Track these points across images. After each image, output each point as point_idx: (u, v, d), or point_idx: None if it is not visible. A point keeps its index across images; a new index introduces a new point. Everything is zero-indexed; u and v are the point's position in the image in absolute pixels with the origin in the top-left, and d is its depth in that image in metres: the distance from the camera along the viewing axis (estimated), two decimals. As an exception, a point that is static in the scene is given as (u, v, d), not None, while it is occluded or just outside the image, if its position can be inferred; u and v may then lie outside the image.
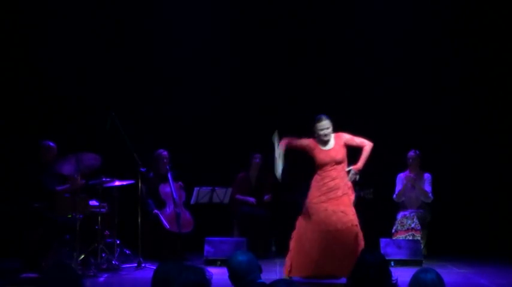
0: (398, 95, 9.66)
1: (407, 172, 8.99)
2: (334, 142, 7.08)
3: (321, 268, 6.91)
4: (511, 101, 9.69)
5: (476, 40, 9.65)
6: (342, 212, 6.97)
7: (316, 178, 7.11)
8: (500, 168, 9.69)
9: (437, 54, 9.76)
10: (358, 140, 7.13)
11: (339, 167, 7.05)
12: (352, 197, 7.16)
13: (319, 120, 7.03)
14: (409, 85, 9.71)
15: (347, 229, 6.93)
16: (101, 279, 7.30)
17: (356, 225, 6.97)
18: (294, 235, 7.14)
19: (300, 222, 7.13)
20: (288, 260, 7.11)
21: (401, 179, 8.99)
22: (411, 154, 8.94)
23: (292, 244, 7.12)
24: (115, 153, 8.34)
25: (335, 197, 6.99)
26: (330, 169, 7.03)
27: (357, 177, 7.09)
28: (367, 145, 7.10)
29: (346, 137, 7.10)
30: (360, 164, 7.08)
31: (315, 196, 7.04)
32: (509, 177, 9.63)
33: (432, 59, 9.76)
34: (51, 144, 7.84)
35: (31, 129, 9.00)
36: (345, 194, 7.04)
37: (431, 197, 8.84)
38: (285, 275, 7.01)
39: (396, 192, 8.97)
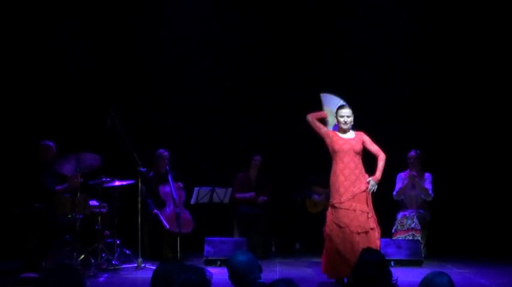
0: (398, 94, 9.66)
1: (407, 172, 8.99)
2: (355, 135, 7.04)
3: (348, 268, 6.53)
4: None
5: (477, 39, 9.65)
6: (368, 213, 6.89)
7: (336, 172, 6.94)
8: (500, 168, 9.69)
9: (437, 53, 9.77)
10: (375, 147, 7.07)
11: (356, 159, 6.93)
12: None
13: (342, 107, 7.04)
14: (409, 85, 9.72)
15: (365, 232, 6.86)
16: (101, 279, 7.29)
17: (372, 228, 6.88)
18: (326, 235, 6.99)
19: (330, 223, 6.96)
20: (323, 260, 7.03)
21: (401, 179, 9.00)
22: (412, 153, 8.94)
23: (326, 244, 6.99)
24: (115, 153, 8.34)
25: (359, 192, 6.88)
26: (348, 159, 6.90)
27: (375, 188, 6.96)
28: (382, 155, 7.03)
29: (366, 137, 7.07)
30: (378, 174, 6.96)
31: (341, 194, 6.87)
32: (509, 177, 9.63)
33: (432, 58, 9.77)
34: (50, 144, 7.83)
35: (31, 129, 9.00)
36: (366, 188, 6.93)
37: (432, 195, 8.84)
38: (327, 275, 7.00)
39: (396, 190, 8.97)
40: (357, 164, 6.92)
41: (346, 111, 6.99)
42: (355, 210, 6.84)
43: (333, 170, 7.00)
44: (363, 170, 6.98)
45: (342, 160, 6.92)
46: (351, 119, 7.00)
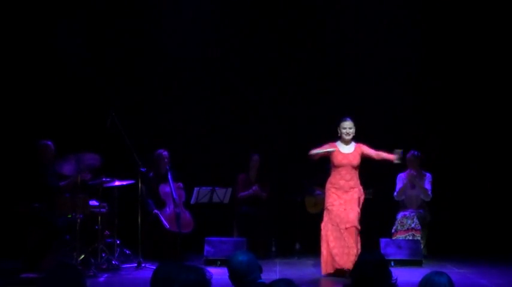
0: (399, 95, 9.65)
1: (407, 172, 8.98)
2: (354, 149, 7.55)
3: (342, 264, 7.28)
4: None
5: (476, 41, 9.65)
6: (359, 213, 7.45)
7: (331, 180, 7.58)
8: (500, 168, 9.69)
9: (438, 53, 9.76)
10: (375, 151, 7.61)
11: (353, 172, 7.54)
12: (362, 198, 7.62)
13: (344, 120, 7.56)
14: (409, 85, 9.72)
15: (354, 227, 7.39)
16: (101, 279, 7.30)
17: (359, 229, 7.43)
18: (322, 237, 7.51)
19: (325, 224, 7.51)
20: (322, 262, 7.52)
21: (401, 179, 8.99)
22: (410, 154, 8.93)
23: (322, 245, 7.51)
24: (115, 153, 8.34)
25: (351, 198, 7.46)
26: (345, 172, 7.50)
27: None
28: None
29: (365, 147, 7.60)
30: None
31: (334, 199, 7.48)
32: (509, 177, 9.63)
33: (433, 58, 9.76)
34: (49, 143, 7.84)
35: (31, 129, 8.99)
36: (359, 196, 7.55)
37: (431, 195, 8.84)
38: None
39: (397, 190, 8.97)
40: (352, 176, 7.56)
41: (348, 124, 7.55)
42: (345, 209, 7.42)
43: (329, 178, 7.61)
44: (358, 181, 7.58)
45: (340, 172, 7.54)
46: (352, 130, 7.56)
